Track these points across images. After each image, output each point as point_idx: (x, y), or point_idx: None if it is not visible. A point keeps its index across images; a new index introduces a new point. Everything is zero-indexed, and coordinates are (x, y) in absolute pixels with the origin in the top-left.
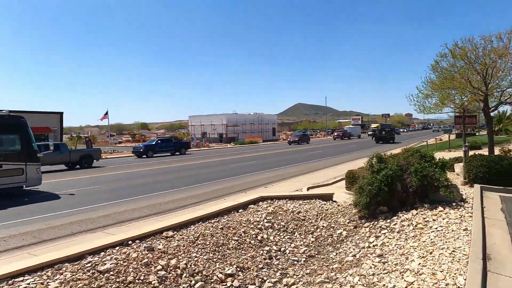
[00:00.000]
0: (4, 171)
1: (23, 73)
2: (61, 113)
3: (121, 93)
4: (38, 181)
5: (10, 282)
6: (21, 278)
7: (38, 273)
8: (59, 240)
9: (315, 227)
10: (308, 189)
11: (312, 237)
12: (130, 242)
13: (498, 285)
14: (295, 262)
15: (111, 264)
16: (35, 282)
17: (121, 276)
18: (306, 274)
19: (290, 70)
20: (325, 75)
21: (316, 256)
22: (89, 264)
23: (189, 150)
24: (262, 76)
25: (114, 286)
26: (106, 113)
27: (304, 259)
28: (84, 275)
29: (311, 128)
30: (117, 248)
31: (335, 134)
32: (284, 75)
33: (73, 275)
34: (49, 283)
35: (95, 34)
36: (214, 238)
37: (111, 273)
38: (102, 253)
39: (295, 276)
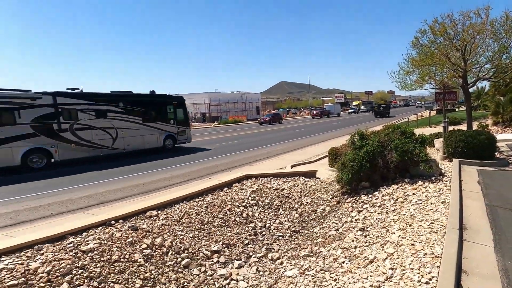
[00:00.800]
0: (180, 131)
1: None
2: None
3: (96, 67)
4: (190, 140)
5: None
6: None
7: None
8: None
9: (299, 203)
10: (292, 166)
11: (296, 213)
12: (113, 222)
13: (472, 252)
14: (280, 238)
15: (95, 244)
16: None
17: (105, 255)
18: (291, 248)
19: (273, 48)
20: (309, 53)
21: (300, 231)
22: (71, 245)
23: None
24: (245, 55)
25: (99, 265)
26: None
27: (288, 234)
28: (66, 255)
29: (294, 106)
30: (100, 228)
31: (314, 112)
32: (268, 53)
33: (55, 255)
34: (29, 263)
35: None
36: (199, 216)
37: (95, 252)
38: (85, 234)
39: (280, 251)
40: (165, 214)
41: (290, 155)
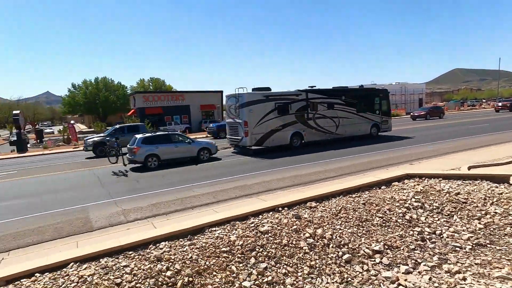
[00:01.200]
0: (383, 121)
1: None
2: (221, 92)
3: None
4: (391, 128)
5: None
6: (214, 228)
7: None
8: None
9: (483, 212)
10: (469, 168)
11: (480, 223)
12: (280, 209)
13: None
14: (457, 249)
15: (268, 226)
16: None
17: (277, 238)
18: (476, 264)
19: (445, 29)
20: (494, 32)
21: (488, 245)
22: (253, 225)
23: None
24: (408, 40)
25: (273, 246)
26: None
27: (469, 246)
28: (250, 233)
29: (472, 97)
30: (270, 213)
31: (498, 105)
32: (437, 36)
33: (243, 232)
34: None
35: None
36: (356, 212)
37: (269, 234)
38: (260, 216)
39: (459, 264)
40: (323, 207)
41: (463, 154)
